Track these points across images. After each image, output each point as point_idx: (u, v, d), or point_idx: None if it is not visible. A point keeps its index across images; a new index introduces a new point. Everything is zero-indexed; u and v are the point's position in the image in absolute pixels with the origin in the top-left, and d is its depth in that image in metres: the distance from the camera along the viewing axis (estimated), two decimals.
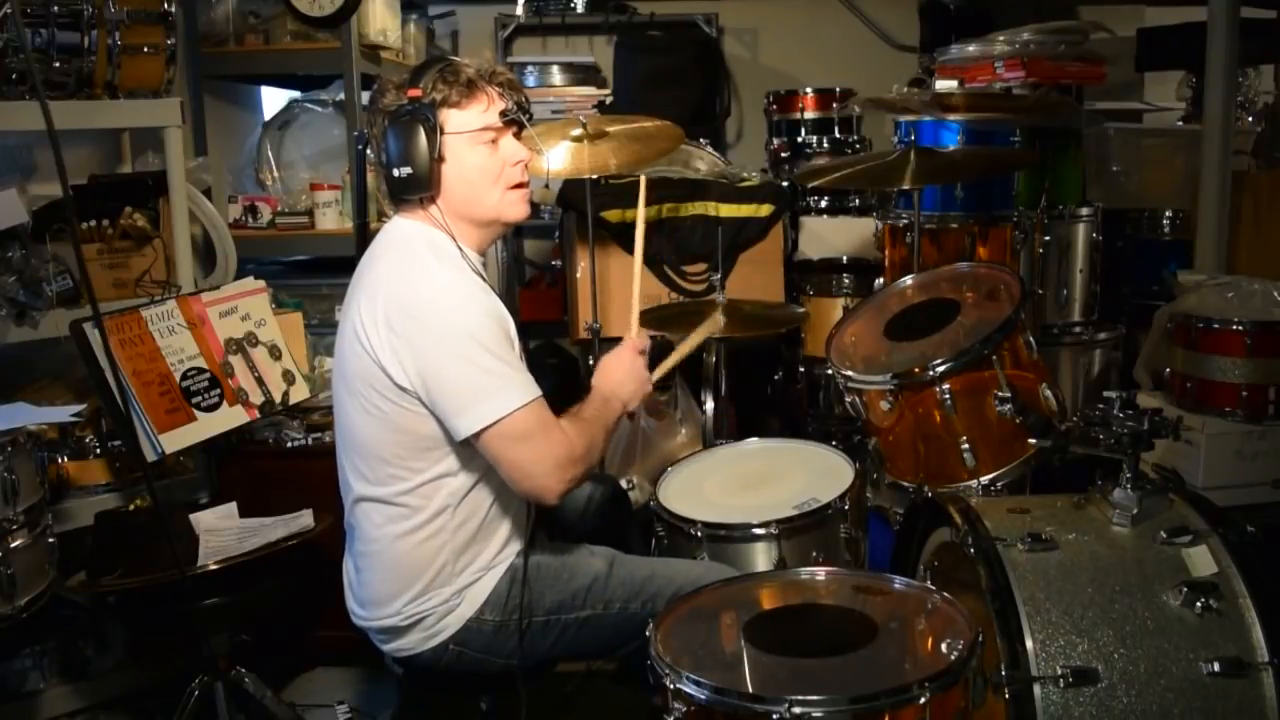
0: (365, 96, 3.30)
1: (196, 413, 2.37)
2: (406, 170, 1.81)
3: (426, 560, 1.87)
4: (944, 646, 1.52)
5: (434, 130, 1.80)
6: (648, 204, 3.41)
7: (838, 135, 3.97)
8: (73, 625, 2.64)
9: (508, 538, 1.95)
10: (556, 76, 4.49)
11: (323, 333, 3.18)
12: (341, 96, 3.38)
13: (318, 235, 3.32)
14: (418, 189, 1.83)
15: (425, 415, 1.80)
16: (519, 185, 1.91)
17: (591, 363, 3.28)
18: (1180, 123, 4.05)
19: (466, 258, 1.87)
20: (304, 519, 2.38)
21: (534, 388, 1.80)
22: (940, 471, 2.35)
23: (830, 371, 2.55)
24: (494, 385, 1.76)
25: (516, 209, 1.91)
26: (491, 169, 1.87)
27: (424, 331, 1.77)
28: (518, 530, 1.96)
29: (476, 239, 1.92)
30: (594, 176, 3.08)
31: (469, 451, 1.83)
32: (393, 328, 1.78)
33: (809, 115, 4.00)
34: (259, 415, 2.53)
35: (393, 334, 1.78)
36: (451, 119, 1.83)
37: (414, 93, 1.82)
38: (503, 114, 1.86)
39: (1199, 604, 1.63)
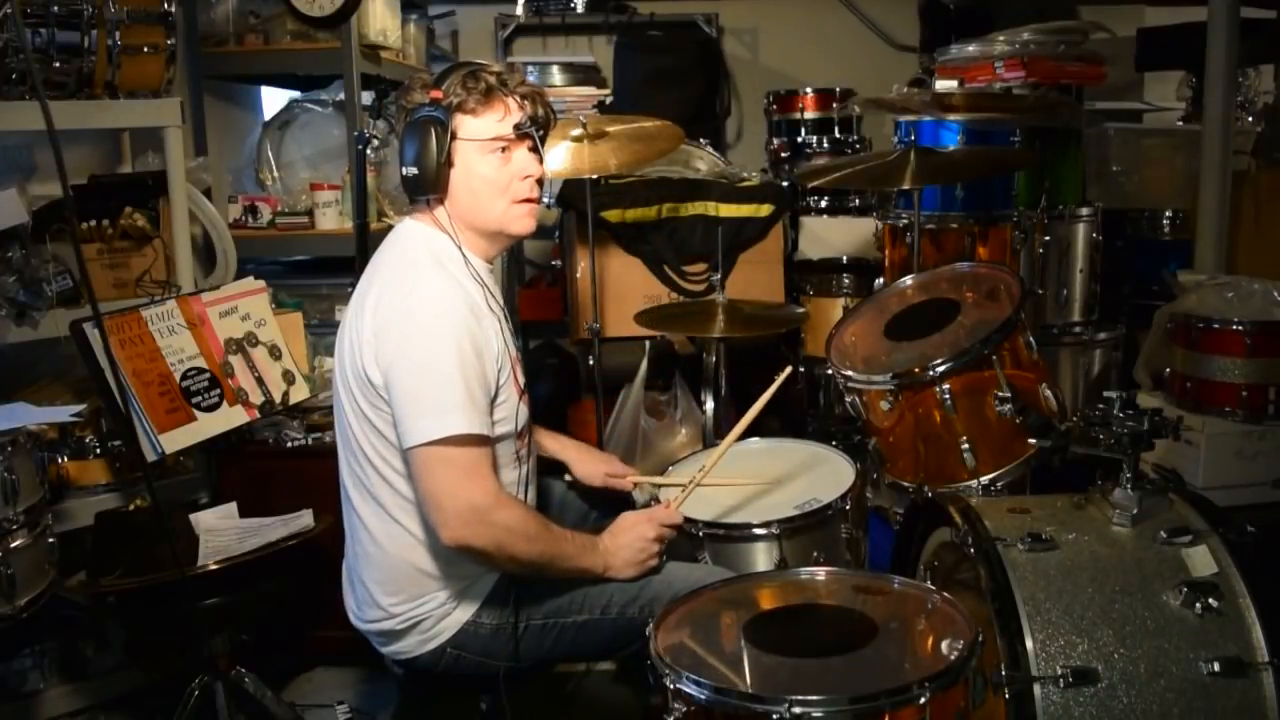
0: (365, 97, 3.30)
1: (196, 413, 2.37)
2: (414, 170, 1.81)
3: (421, 564, 1.87)
4: (944, 646, 1.53)
5: (445, 134, 1.79)
6: (649, 204, 3.46)
7: (838, 135, 3.98)
8: (73, 625, 2.64)
9: None
10: (556, 76, 4.49)
11: (323, 333, 3.18)
12: (341, 96, 3.37)
13: (318, 235, 3.32)
14: (423, 190, 1.83)
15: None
16: (528, 200, 1.88)
17: (591, 363, 3.28)
18: (1180, 123, 4.05)
19: (470, 264, 1.86)
20: (304, 519, 2.38)
21: (484, 424, 1.75)
22: (940, 471, 2.34)
23: (830, 371, 2.54)
24: (442, 403, 1.72)
25: (522, 223, 1.89)
26: (499, 180, 1.85)
27: (397, 334, 1.76)
28: None
29: (483, 247, 1.91)
30: (594, 176, 3.08)
31: None
32: (375, 328, 1.79)
33: (809, 115, 4.01)
34: (259, 415, 2.53)
35: (374, 334, 1.78)
36: (465, 125, 1.83)
37: (435, 94, 1.81)
38: (517, 126, 1.85)
39: (1199, 604, 1.63)
